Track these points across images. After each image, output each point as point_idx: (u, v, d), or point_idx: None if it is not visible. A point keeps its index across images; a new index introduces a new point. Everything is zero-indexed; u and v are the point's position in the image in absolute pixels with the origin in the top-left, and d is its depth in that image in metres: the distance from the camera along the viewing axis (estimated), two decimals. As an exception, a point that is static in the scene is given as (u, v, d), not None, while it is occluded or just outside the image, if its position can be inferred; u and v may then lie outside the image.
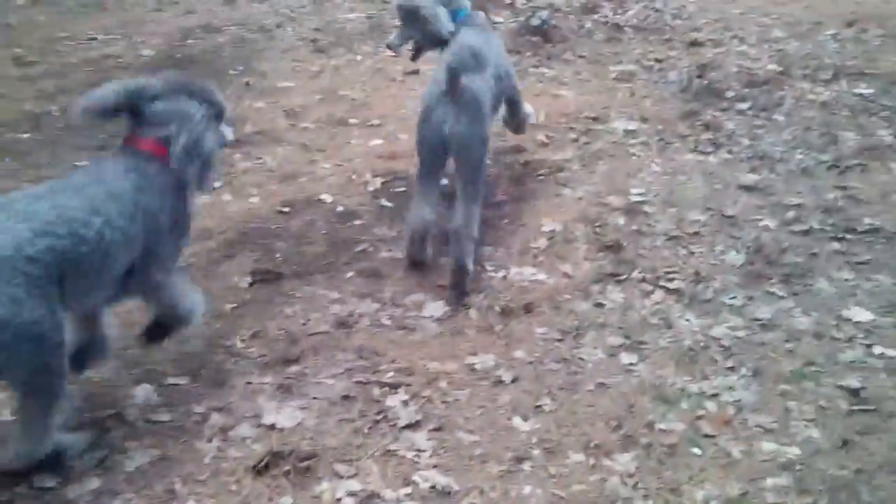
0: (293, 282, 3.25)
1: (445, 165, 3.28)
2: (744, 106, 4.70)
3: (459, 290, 3.10)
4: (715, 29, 6.04)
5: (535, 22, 5.80)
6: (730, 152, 4.22)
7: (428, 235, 3.29)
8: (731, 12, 6.41)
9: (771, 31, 5.94)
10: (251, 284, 3.24)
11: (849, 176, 3.94)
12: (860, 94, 4.77)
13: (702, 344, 2.86)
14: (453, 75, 3.11)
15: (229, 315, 3.05)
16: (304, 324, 3.00)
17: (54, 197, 2.25)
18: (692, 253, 3.40)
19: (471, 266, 3.14)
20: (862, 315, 2.99)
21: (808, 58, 5.38)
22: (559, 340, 2.88)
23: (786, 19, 6.20)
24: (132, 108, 2.43)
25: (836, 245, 3.40)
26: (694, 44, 5.70)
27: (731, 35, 5.89)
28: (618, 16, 6.33)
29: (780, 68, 5.19)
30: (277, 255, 3.43)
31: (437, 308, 3.07)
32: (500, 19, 6.25)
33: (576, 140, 4.40)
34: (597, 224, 3.59)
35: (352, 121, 4.73)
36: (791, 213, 3.63)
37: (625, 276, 3.24)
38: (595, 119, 4.62)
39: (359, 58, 5.72)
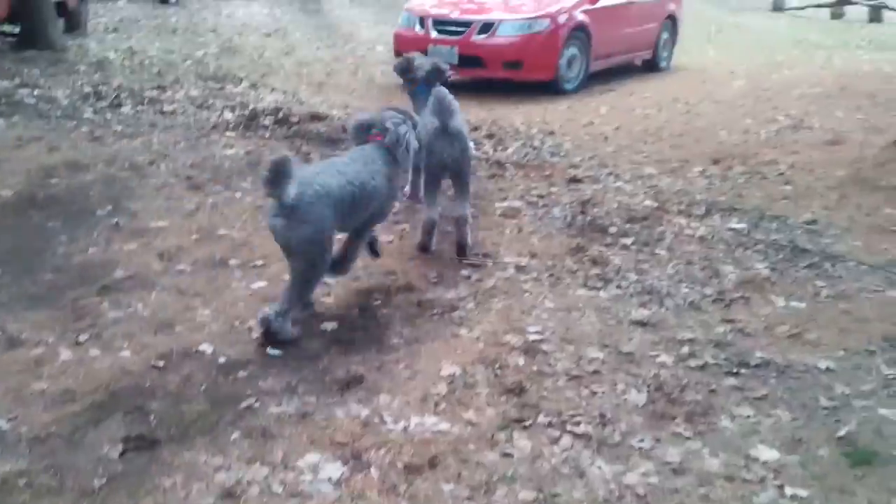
0: (171, 448, 2.93)
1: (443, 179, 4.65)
2: (627, 241, 4.78)
3: (462, 253, 4.54)
4: (591, 166, 6.24)
5: (417, 159, 5.84)
6: (619, 287, 4.24)
7: (434, 230, 4.61)
8: (605, 150, 6.66)
9: (643, 169, 6.18)
10: (122, 454, 2.88)
11: (734, 309, 4.01)
12: (734, 229, 4.95)
13: (616, 494, 2.73)
14: (444, 118, 4.48)
15: (97, 494, 2.70)
16: (184, 497, 2.68)
17: (351, 165, 3.82)
18: (594, 393, 3.31)
19: (469, 241, 4.58)
20: (768, 454, 2.94)
21: (681, 194, 5.59)
22: (469, 499, 2.69)
23: (655, 157, 6.48)
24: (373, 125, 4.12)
25: (732, 380, 3.40)
26: (573, 180, 5.84)
27: (608, 172, 6.09)
28: (499, 152, 6.46)
29: (657, 204, 5.36)
30: (152, 418, 3.10)
31: (334, 469, 2.83)
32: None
33: (468, 277, 4.33)
34: (497, 365, 3.47)
35: (232, 262, 4.51)
36: (685, 349, 3.63)
37: (530, 422, 3.10)
38: (486, 255, 4.58)
39: (238, 195, 5.53)
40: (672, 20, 11.08)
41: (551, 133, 7.16)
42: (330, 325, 3.79)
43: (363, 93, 8.91)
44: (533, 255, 4.60)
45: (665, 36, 10.88)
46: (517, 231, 4.95)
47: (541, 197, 5.52)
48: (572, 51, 9.03)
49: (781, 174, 5.88)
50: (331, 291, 4.11)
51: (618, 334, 3.76)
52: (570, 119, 7.78)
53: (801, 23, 17.28)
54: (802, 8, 19.10)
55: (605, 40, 9.38)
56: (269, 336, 3.59)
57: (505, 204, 5.39)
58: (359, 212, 3.82)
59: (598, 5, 9.39)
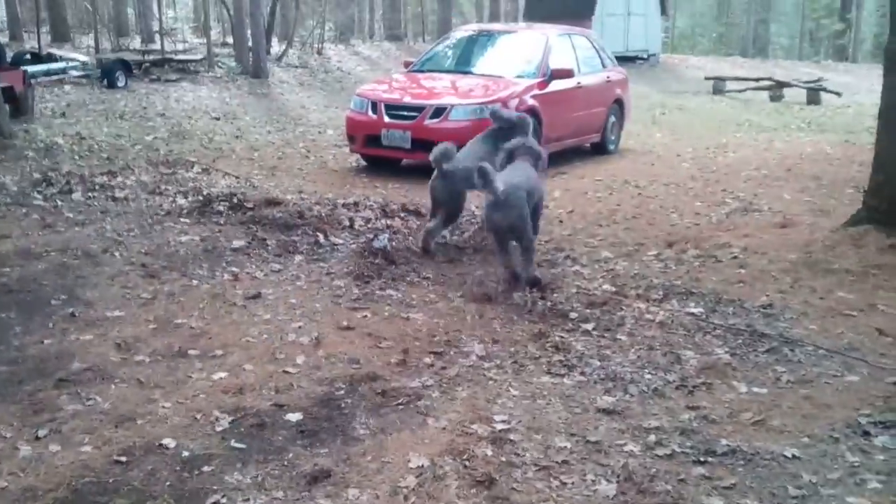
0: (137, 548, 2.83)
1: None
2: (588, 326, 4.81)
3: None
4: (548, 250, 6.30)
5: (377, 244, 5.84)
6: (583, 374, 4.24)
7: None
8: (561, 233, 6.75)
9: (600, 252, 6.27)
10: (87, 555, 2.78)
11: (697, 395, 4.03)
12: (692, 314, 5.01)
13: (594, 592, 2.68)
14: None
15: None
16: None
17: (523, 172, 5.67)
18: (564, 483, 3.28)
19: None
20: (742, 545, 2.93)
21: (638, 277, 5.67)
22: None
23: (611, 240, 6.58)
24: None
25: (700, 469, 3.39)
26: (532, 264, 5.91)
27: (565, 255, 6.16)
28: (455, 237, 6.49)
29: (615, 288, 5.42)
30: (116, 516, 3.01)
31: (307, 571, 2.75)
32: (340, 241, 6.26)
33: (432, 365, 4.30)
34: (465, 456, 3.42)
35: (192, 352, 4.43)
36: (652, 437, 3.62)
37: (502, 516, 3.05)
38: (448, 342, 4.57)
39: (194, 282, 5.47)
40: (619, 104, 11.39)
41: None
42: (294, 417, 3.72)
43: (316, 177, 8.94)
44: (495, 342, 4.60)
45: (613, 119, 11.16)
46: (478, 317, 4.96)
47: (500, 283, 5.55)
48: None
49: (735, 257, 6.00)
50: (293, 383, 4.05)
51: (584, 422, 3.75)
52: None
53: (742, 105, 17.91)
54: (742, 91, 19.81)
55: (556, 124, 9.58)
56: (535, 283, 5.40)
57: (465, 287, 5.41)
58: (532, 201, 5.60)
59: (547, 90, 9.61)
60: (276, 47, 20.31)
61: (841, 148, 11.46)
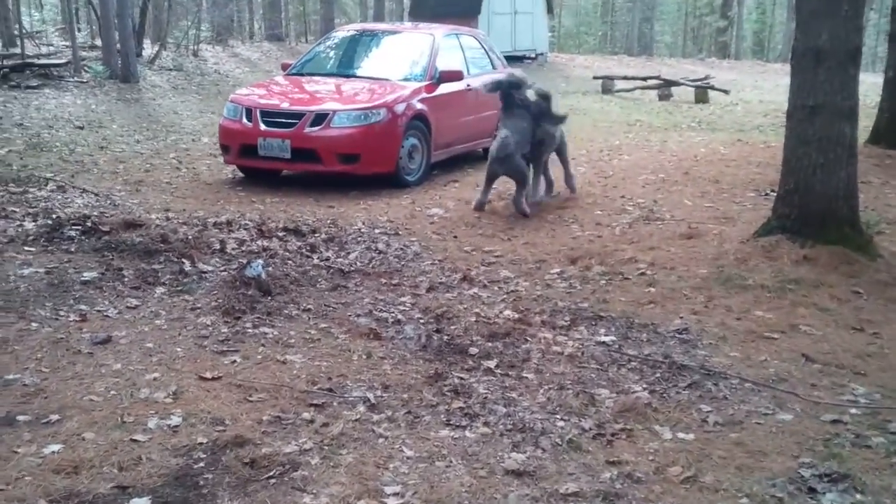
0: None
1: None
2: (491, 364, 4.26)
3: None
4: (443, 270, 5.74)
5: (250, 272, 5.13)
6: (487, 424, 3.68)
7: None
8: (455, 251, 6.20)
9: (499, 271, 5.74)
10: None
11: (618, 446, 3.52)
12: (603, 343, 4.53)
13: None
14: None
15: None
16: None
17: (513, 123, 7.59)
18: (470, 577, 2.70)
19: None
20: None
21: (542, 300, 5.16)
22: None
23: (509, 257, 6.07)
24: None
25: (629, 545, 2.88)
26: (426, 289, 5.32)
27: (460, 277, 5.60)
28: (341, 258, 5.85)
29: (518, 315, 4.89)
30: None
31: None
32: (209, 268, 5.53)
33: (311, 422, 3.65)
34: (350, 550, 2.80)
35: (21, 417, 3.65)
36: (571, 504, 3.09)
37: None
38: (330, 391, 3.93)
39: (34, 326, 4.65)
40: (511, 107, 10.94)
41: (396, 233, 6.63)
42: (139, 503, 3.03)
43: (186, 192, 8.12)
44: (386, 387, 3.99)
45: (505, 123, 10.71)
46: (366, 357, 4.33)
47: (391, 312, 4.94)
48: (412, 141, 8.60)
49: (643, 274, 5.57)
50: (142, 455, 3.33)
51: (491, 489, 3.18)
52: (414, 216, 7.29)
53: (632, 104, 17.82)
54: (631, 90, 19.78)
55: (446, 129, 9.03)
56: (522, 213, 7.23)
57: (350, 320, 4.78)
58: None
59: (436, 93, 9.05)
60: (149, 49, 19.10)
61: (735, 148, 11.33)
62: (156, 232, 6.02)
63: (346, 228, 6.59)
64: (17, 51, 17.06)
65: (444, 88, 9.21)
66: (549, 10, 26.32)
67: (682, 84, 19.14)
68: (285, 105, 8.43)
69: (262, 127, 8.23)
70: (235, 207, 7.35)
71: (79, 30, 19.99)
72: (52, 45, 19.02)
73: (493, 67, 10.77)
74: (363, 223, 6.77)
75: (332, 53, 10.18)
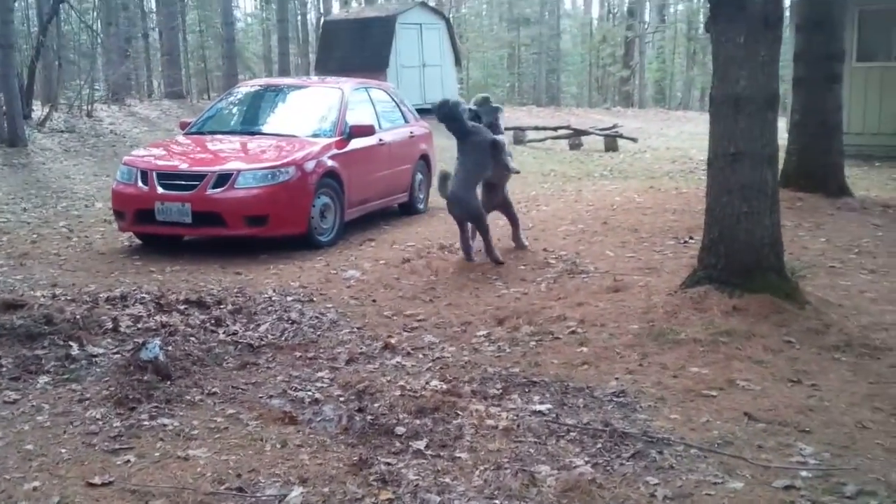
0: None
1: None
2: (420, 444, 3.86)
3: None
4: (362, 338, 5.34)
5: (146, 354, 4.61)
6: (419, 517, 3.28)
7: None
8: (375, 316, 5.81)
9: (423, 336, 5.37)
10: None
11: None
12: (539, 412, 4.19)
13: None
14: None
15: None
16: None
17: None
18: None
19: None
20: None
21: (471, 367, 4.81)
22: None
23: (433, 320, 5.71)
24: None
25: None
26: (345, 361, 4.90)
27: (381, 345, 5.21)
28: (250, 331, 5.39)
29: (447, 385, 4.51)
30: None
31: None
32: (100, 350, 4.99)
33: (217, 532, 3.18)
34: None
35: None
36: None
37: None
38: (240, 491, 3.46)
39: None
40: (425, 160, 10.68)
41: (311, 300, 6.19)
42: None
43: (77, 264, 7.49)
44: (304, 481, 3.54)
45: (420, 177, 10.41)
46: (280, 446, 3.88)
47: (307, 390, 4.50)
48: (324, 200, 8.20)
49: (574, 332, 5.27)
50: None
51: None
52: (329, 279, 6.86)
53: (544, 154, 17.84)
54: (542, 140, 19.85)
55: (359, 186, 8.67)
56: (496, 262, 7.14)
57: (262, 403, 4.32)
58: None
59: (347, 149, 8.71)
60: (39, 111, 18.26)
61: (648, 195, 11.30)
62: (39, 312, 5.42)
63: (255, 297, 6.12)
64: None
65: (356, 143, 8.88)
66: (458, 62, 26.40)
67: (592, 133, 19.31)
68: (184, 166, 7.95)
69: (160, 190, 7.71)
70: (132, 279, 6.80)
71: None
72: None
73: (406, 121, 10.52)
74: (274, 290, 6.31)
75: (234, 110, 9.76)
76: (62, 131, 17.17)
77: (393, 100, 10.49)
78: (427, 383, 4.57)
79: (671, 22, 41.65)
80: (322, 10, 35.86)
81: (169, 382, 4.49)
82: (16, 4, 22.34)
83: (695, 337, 5.06)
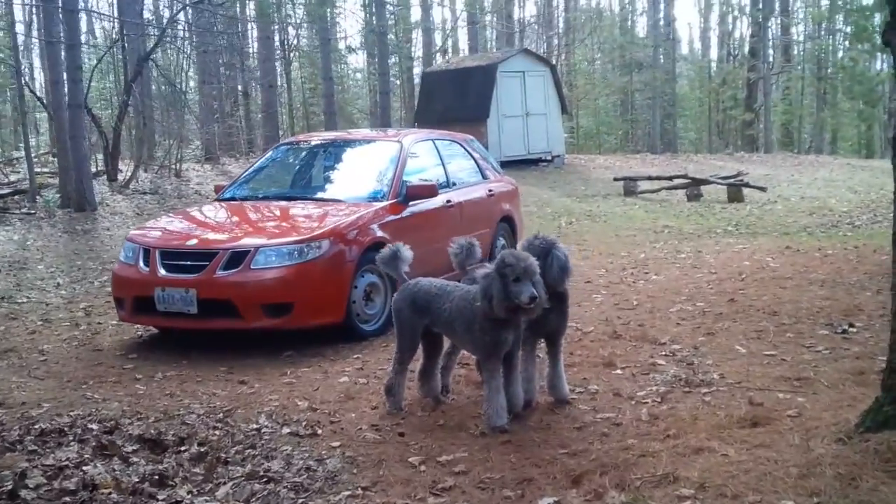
0: None
1: None
2: None
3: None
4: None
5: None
6: None
7: None
8: (392, 462, 4.03)
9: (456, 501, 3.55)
10: None
11: None
12: None
13: None
14: None
15: None
16: None
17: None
18: None
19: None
20: None
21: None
22: None
23: (477, 473, 3.88)
24: None
25: None
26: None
27: (390, 524, 3.42)
28: (200, 500, 3.70)
29: None
30: None
31: None
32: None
33: None
34: None
35: None
36: None
37: None
38: None
39: None
40: (508, 222, 8.92)
41: (313, 433, 4.37)
42: None
43: (56, 365, 6.02)
44: None
45: (501, 243, 8.64)
46: None
47: None
48: (370, 278, 6.50)
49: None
50: None
51: None
52: (351, 395, 5.02)
53: (658, 207, 15.77)
54: (656, 191, 17.78)
55: (418, 258, 6.75)
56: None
57: None
58: None
59: (402, 214, 7.05)
60: (127, 171, 17.54)
61: (785, 259, 9.18)
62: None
63: (236, 430, 4.44)
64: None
65: (415, 207, 7.22)
66: (564, 110, 24.63)
67: (713, 182, 17.09)
68: (192, 242, 6.36)
69: (161, 272, 6.18)
70: (102, 393, 5.24)
71: (53, 154, 18.49)
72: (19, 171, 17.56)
73: (484, 177, 8.82)
74: (269, 416, 4.63)
75: (274, 171, 8.28)
76: (145, 193, 16.34)
77: (468, 152, 8.80)
78: None
79: (798, 61, 38.66)
80: (424, 64, 34.91)
81: None
82: (102, 64, 22.10)
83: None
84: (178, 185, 17.64)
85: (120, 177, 17.20)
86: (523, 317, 4.29)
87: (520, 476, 3.81)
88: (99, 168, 17.31)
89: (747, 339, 5.91)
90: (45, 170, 17.76)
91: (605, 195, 17.83)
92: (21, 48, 22.19)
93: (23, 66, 21.75)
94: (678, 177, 18.15)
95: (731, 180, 16.97)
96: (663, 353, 5.69)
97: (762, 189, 16.60)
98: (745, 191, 16.50)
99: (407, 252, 4.86)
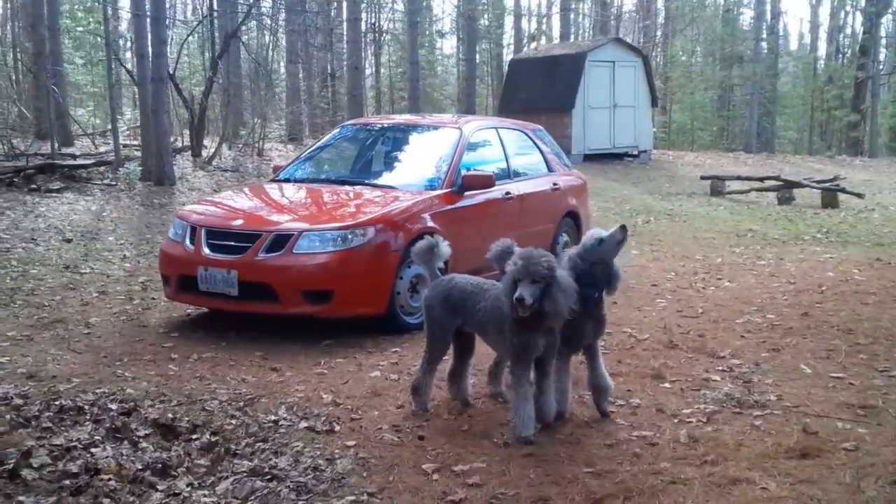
0: None
1: None
2: None
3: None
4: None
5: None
6: None
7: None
8: (405, 468, 3.82)
9: (458, 525, 3.32)
10: None
11: None
12: None
13: None
14: None
15: None
16: None
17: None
18: None
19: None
20: None
21: None
22: None
23: (492, 487, 3.64)
24: None
25: None
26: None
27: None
28: (199, 493, 3.56)
29: None
30: None
31: None
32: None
33: None
34: None
35: None
36: None
37: None
38: None
39: None
40: (574, 218, 8.57)
41: (330, 430, 4.23)
42: None
43: (97, 340, 6.01)
44: None
45: (565, 239, 8.31)
46: None
47: None
48: (416, 269, 6.29)
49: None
50: None
51: None
52: (379, 391, 4.83)
53: (744, 210, 15.09)
54: (745, 192, 17.05)
55: (469, 253, 6.24)
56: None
57: None
58: None
59: (456, 205, 6.80)
60: (211, 147, 17.78)
61: (873, 272, 8.59)
62: None
63: (252, 421, 4.30)
64: (69, 151, 16.05)
65: (471, 198, 6.97)
66: (654, 103, 23.87)
67: (806, 185, 16.25)
68: (237, 223, 6.28)
69: (205, 252, 6.11)
70: (134, 371, 5.19)
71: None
72: (108, 143, 17.99)
73: (550, 169, 8.50)
74: (289, 409, 4.48)
75: (334, 153, 8.15)
76: (226, 170, 16.53)
77: (534, 143, 8.48)
78: None
79: (912, 61, 36.70)
80: (514, 51, 34.45)
81: None
82: (195, 39, 22.46)
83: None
84: (259, 163, 17.78)
85: (204, 153, 17.43)
86: (515, 316, 3.98)
87: (536, 494, 3.54)
88: (185, 143, 17.59)
89: (815, 358, 5.49)
90: (135, 142, 18.15)
91: (689, 194, 17.21)
92: (112, 21, 22.70)
93: (117, 39, 22.30)
94: (770, 178, 17.36)
95: (827, 184, 16.12)
96: (720, 367, 5.32)
97: (859, 196, 15.71)
98: (842, 197, 15.65)
99: (445, 248, 4.60)
